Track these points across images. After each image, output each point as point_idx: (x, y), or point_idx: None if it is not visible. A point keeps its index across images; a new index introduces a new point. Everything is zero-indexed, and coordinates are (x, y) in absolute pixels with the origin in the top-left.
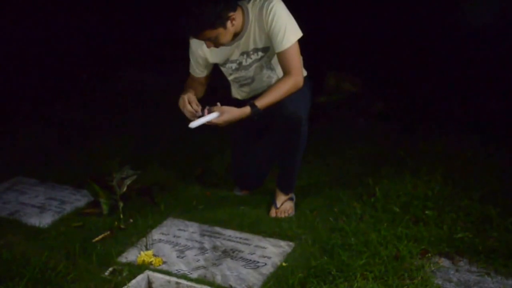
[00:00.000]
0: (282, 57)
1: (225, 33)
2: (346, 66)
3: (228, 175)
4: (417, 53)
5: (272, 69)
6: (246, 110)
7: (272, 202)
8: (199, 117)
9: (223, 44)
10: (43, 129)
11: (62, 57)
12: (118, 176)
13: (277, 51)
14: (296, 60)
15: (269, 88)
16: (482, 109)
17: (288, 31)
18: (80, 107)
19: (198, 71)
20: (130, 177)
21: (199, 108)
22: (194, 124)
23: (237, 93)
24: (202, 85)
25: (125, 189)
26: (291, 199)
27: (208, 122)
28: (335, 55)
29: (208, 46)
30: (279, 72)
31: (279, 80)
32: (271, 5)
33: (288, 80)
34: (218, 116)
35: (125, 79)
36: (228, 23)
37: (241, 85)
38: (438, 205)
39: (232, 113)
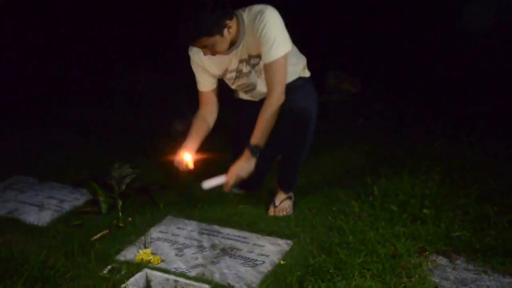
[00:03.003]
0: (266, 69)
1: (222, 41)
2: (346, 66)
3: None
4: (416, 53)
5: None
6: (247, 153)
7: (270, 201)
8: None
9: (219, 52)
10: (42, 128)
11: (60, 56)
12: (117, 175)
13: (263, 62)
14: (279, 74)
15: (256, 122)
16: (480, 109)
17: (276, 44)
18: (79, 106)
19: (205, 83)
20: (129, 176)
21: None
22: (206, 186)
23: (243, 96)
24: (212, 105)
25: (124, 187)
26: (290, 198)
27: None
28: (335, 56)
29: (205, 54)
30: None
31: (261, 110)
32: (263, 15)
33: (267, 103)
34: (227, 176)
35: (124, 79)
36: (225, 31)
37: (246, 92)
38: (436, 204)
39: (237, 164)
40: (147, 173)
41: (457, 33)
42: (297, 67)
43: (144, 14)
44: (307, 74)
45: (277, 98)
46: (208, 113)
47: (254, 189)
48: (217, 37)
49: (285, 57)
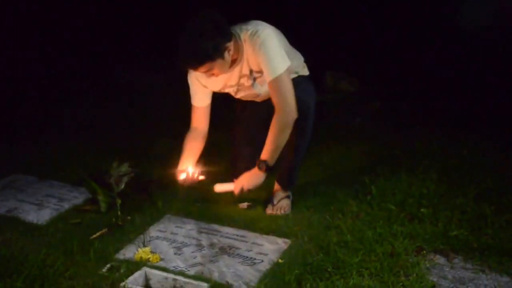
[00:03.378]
0: (271, 87)
1: (223, 63)
2: (344, 65)
3: (225, 172)
4: (414, 53)
5: None
6: (255, 168)
7: (269, 200)
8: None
9: (222, 73)
10: (41, 127)
11: (59, 56)
12: (116, 174)
13: (267, 81)
14: (283, 91)
15: (266, 138)
16: (478, 109)
17: (276, 62)
18: (78, 105)
19: (201, 98)
20: (128, 175)
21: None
22: (218, 189)
23: (246, 98)
24: (205, 122)
25: (122, 186)
26: (288, 197)
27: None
28: (333, 55)
29: (208, 76)
30: None
31: (270, 128)
32: (259, 36)
33: (275, 121)
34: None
35: (124, 77)
36: (226, 53)
37: (251, 100)
38: (433, 203)
39: (245, 176)
40: (146, 171)
41: (457, 33)
42: (297, 68)
43: (143, 12)
44: (306, 72)
45: (285, 117)
46: (201, 130)
47: None
48: (219, 61)
49: (287, 71)
